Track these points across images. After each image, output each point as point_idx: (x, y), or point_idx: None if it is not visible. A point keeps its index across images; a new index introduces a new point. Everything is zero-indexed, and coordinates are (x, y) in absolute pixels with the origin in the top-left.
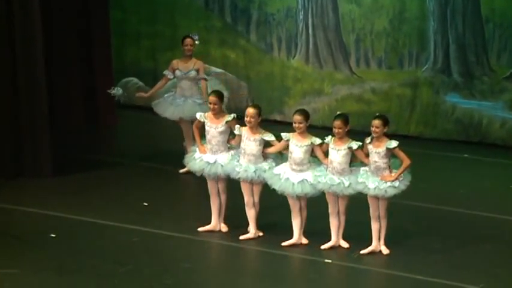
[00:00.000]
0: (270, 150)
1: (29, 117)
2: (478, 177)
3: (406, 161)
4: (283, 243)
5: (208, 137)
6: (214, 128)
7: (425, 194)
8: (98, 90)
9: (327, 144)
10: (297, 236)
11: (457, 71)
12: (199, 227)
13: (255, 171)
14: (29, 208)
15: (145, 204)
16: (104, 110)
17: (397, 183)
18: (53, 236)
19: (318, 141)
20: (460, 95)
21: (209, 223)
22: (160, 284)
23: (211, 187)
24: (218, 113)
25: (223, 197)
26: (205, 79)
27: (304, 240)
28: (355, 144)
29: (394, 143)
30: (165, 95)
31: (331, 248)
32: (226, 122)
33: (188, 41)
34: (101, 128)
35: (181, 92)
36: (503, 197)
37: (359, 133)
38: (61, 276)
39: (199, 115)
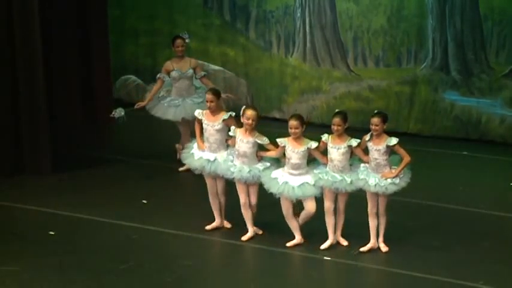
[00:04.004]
0: (268, 154)
1: (29, 115)
2: (477, 174)
3: (407, 158)
4: (288, 244)
5: (206, 135)
6: (211, 126)
7: (424, 191)
8: (96, 88)
9: (325, 143)
10: (299, 238)
11: (456, 68)
12: (198, 224)
13: (249, 172)
14: (29, 205)
15: (144, 201)
16: (103, 108)
17: (397, 180)
18: (52, 233)
19: (314, 145)
20: (459, 92)
21: (209, 220)
22: (161, 281)
23: (210, 186)
24: (215, 111)
25: (222, 199)
26: (205, 75)
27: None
28: (354, 142)
29: (394, 140)
30: (158, 98)
31: (330, 246)
32: (223, 120)
33: (179, 41)
34: (99, 126)
35: (179, 93)
36: (503, 194)
37: (358, 130)
38: (61, 273)
39: (197, 112)
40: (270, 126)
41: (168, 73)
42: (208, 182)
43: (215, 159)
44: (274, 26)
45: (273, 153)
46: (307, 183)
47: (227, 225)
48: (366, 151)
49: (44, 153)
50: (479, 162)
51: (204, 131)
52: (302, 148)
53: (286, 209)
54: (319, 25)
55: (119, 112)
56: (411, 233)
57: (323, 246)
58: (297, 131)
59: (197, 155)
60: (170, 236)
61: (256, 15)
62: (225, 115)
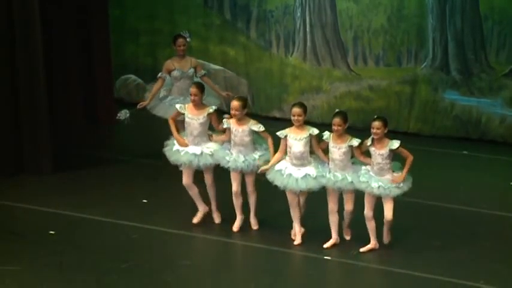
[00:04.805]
0: (273, 162)
1: (29, 115)
2: (477, 174)
3: (410, 157)
4: (294, 239)
5: (189, 129)
6: (196, 119)
7: (424, 191)
8: (97, 88)
9: (326, 142)
10: (298, 229)
11: (456, 68)
12: (198, 223)
13: (243, 161)
14: (29, 205)
15: (145, 201)
16: (103, 108)
17: (401, 184)
18: (52, 232)
19: (315, 131)
20: (459, 92)
21: (209, 220)
22: (160, 281)
23: (187, 178)
24: (198, 105)
25: (213, 190)
26: (205, 74)
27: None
28: (355, 142)
29: (396, 144)
30: (160, 97)
31: (334, 245)
32: (208, 114)
33: (181, 41)
34: (100, 125)
35: (180, 92)
36: (503, 194)
37: (359, 130)
38: (61, 272)
39: (179, 106)
40: (271, 126)
41: (169, 72)
42: (186, 174)
43: (202, 153)
44: (274, 25)
45: (275, 160)
46: (309, 175)
47: (216, 219)
48: (367, 154)
49: (45, 153)
50: (479, 162)
51: (186, 125)
52: (304, 135)
53: (291, 200)
54: (319, 24)
55: (124, 114)
56: (411, 232)
57: (326, 245)
58: (300, 118)
59: (182, 150)
60: (170, 236)
61: (257, 14)
62: (210, 109)
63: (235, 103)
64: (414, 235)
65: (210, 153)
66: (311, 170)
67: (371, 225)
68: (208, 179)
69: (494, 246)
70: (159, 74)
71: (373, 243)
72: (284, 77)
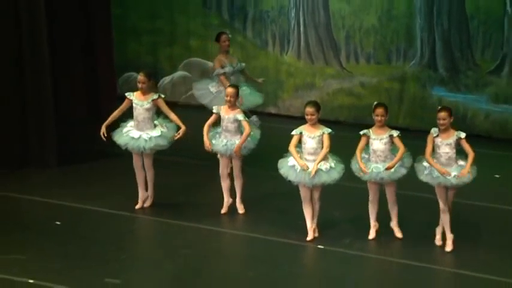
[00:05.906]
0: (298, 160)
1: (35, 110)
2: None
3: (472, 152)
4: (307, 238)
5: (135, 114)
6: (140, 105)
7: (413, 184)
8: (100, 85)
9: (368, 136)
10: (310, 225)
11: (443, 65)
12: (198, 214)
13: (223, 145)
14: (35, 197)
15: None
16: (107, 103)
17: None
18: (58, 223)
19: (328, 130)
20: (446, 88)
21: (207, 210)
22: (161, 270)
23: (135, 161)
24: (146, 91)
25: (149, 173)
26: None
27: (316, 233)
28: (395, 132)
29: (463, 133)
30: (212, 93)
31: (376, 232)
32: (152, 100)
33: (225, 36)
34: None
35: None
36: (488, 186)
37: (352, 125)
38: (66, 262)
39: (128, 94)
40: (266, 122)
41: (223, 68)
42: (134, 157)
43: (139, 137)
44: (270, 25)
45: (297, 157)
46: (321, 169)
47: (147, 202)
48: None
49: (50, 147)
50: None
51: (133, 110)
52: (318, 133)
53: (304, 194)
54: (312, 24)
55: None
56: (402, 223)
57: (371, 236)
58: (313, 117)
59: (124, 132)
60: (170, 226)
61: (253, 15)
62: (154, 95)
63: (230, 90)
64: (406, 226)
65: (147, 139)
66: (323, 164)
67: (446, 218)
68: (146, 162)
69: (479, 236)
70: (218, 71)
71: (451, 236)
72: (279, 74)
